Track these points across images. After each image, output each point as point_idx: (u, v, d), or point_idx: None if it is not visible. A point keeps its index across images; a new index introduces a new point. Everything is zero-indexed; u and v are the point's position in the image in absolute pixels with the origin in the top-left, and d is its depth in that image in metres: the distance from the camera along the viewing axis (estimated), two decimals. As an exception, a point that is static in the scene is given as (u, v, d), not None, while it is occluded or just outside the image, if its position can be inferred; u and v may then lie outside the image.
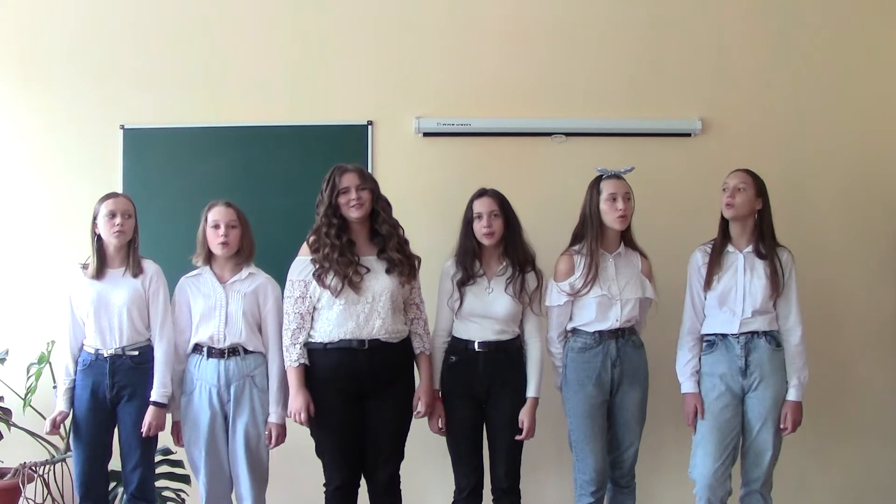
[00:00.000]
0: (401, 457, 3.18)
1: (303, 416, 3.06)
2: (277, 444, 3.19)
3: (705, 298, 3.23)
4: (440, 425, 3.22)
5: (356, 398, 3.08)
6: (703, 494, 3.17)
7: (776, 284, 3.16)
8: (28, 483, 3.71)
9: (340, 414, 3.07)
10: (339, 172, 3.13)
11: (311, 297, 3.10)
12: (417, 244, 3.24)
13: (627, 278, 3.23)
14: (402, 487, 3.20)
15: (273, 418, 3.17)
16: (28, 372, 3.81)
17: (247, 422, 3.15)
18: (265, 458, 3.23)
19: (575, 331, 3.24)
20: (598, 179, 3.26)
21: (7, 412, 3.81)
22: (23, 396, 3.78)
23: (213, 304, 3.18)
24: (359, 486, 3.15)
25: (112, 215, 3.17)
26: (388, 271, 3.10)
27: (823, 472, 4.01)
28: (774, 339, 3.19)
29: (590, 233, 3.22)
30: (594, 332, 3.20)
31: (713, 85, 4.02)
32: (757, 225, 3.23)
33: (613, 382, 3.18)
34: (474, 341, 3.18)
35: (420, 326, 3.21)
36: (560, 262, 3.27)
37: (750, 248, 3.21)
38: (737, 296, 3.17)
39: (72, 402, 3.20)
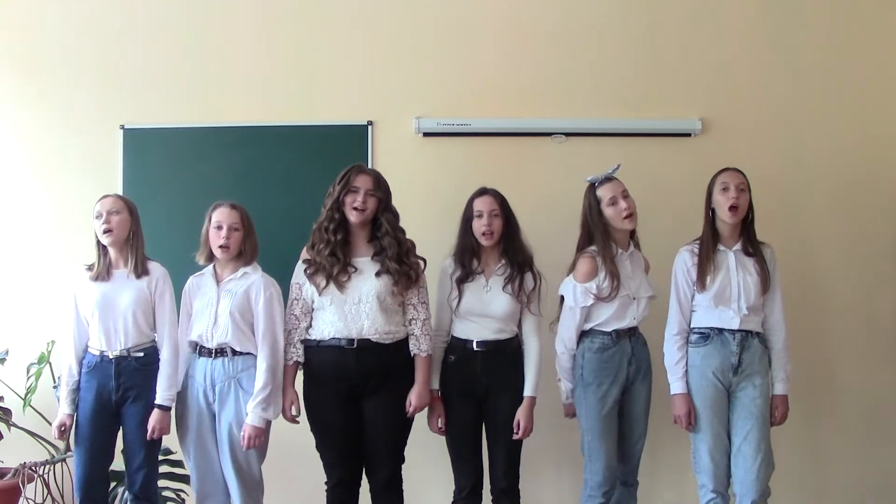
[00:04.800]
0: (400, 458, 3.18)
1: (288, 413, 3.12)
2: (251, 446, 3.08)
3: (692, 298, 3.23)
4: (440, 425, 3.22)
5: (350, 397, 3.09)
6: (710, 485, 3.15)
7: (766, 280, 3.18)
8: (28, 483, 3.72)
9: (333, 411, 3.09)
10: (356, 171, 3.15)
11: (304, 299, 3.15)
12: (417, 244, 3.23)
13: (640, 277, 3.26)
14: (402, 487, 3.20)
15: (249, 419, 3.08)
16: (28, 372, 3.82)
17: (231, 424, 3.13)
18: (254, 462, 3.18)
19: (591, 332, 3.22)
20: (592, 187, 3.26)
21: (7, 412, 3.81)
22: (23, 396, 3.78)
23: (205, 303, 3.18)
24: (359, 483, 3.16)
25: (98, 216, 3.18)
26: (378, 273, 3.10)
27: (822, 472, 4.00)
28: (763, 341, 3.21)
29: (600, 241, 3.20)
30: (612, 331, 3.19)
31: (713, 85, 4.02)
32: (744, 223, 3.23)
33: (629, 380, 3.21)
34: (472, 340, 3.18)
35: (418, 327, 3.17)
36: (582, 262, 3.21)
37: (738, 247, 3.22)
38: (733, 293, 3.17)
39: (76, 404, 3.19)
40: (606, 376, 3.18)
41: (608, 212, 3.20)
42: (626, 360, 3.19)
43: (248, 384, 3.14)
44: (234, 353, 3.15)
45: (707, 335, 3.20)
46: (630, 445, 3.25)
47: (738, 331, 3.16)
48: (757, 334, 3.19)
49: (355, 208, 3.10)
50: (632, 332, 3.22)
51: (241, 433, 3.09)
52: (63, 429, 3.20)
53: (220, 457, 3.17)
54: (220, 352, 3.15)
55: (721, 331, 3.18)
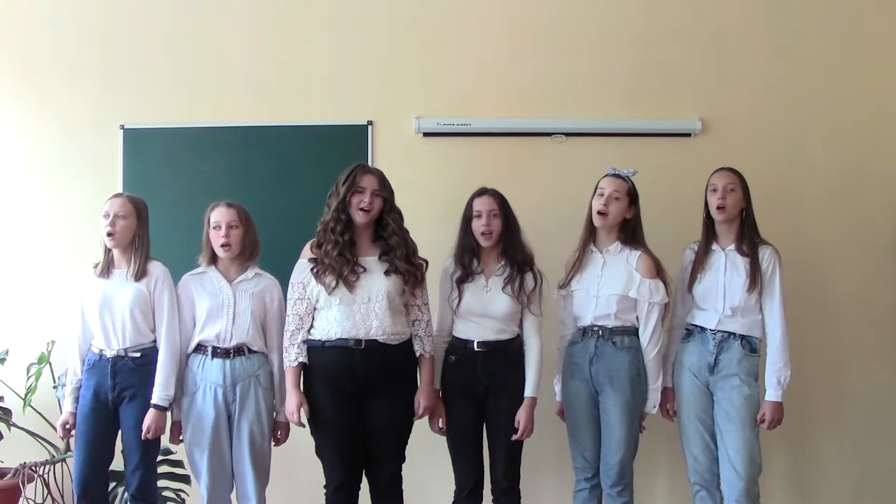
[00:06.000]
0: (402, 458, 3.18)
1: (295, 416, 3.08)
2: (283, 442, 3.23)
3: (692, 297, 3.28)
4: (441, 425, 3.22)
5: (354, 398, 3.07)
6: (692, 478, 3.25)
7: (754, 281, 3.16)
8: (28, 483, 3.72)
9: (337, 413, 3.07)
10: (361, 171, 3.14)
11: (309, 299, 3.11)
12: (417, 244, 3.23)
13: (612, 276, 3.21)
14: (402, 487, 3.20)
15: (281, 417, 3.21)
16: (28, 372, 3.82)
17: (252, 420, 3.15)
18: (268, 457, 3.24)
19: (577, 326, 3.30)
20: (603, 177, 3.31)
21: (7, 412, 3.81)
22: (23, 396, 3.78)
23: (220, 303, 3.18)
24: (359, 486, 3.15)
25: (106, 216, 3.18)
26: (386, 273, 3.10)
27: (821, 471, 4.00)
28: (750, 344, 3.19)
29: (584, 228, 3.30)
30: (579, 327, 3.25)
31: (713, 85, 4.02)
32: (742, 223, 3.25)
33: (593, 380, 3.19)
34: (473, 341, 3.18)
35: (422, 329, 3.18)
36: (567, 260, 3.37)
37: (732, 247, 3.24)
38: (717, 294, 3.20)
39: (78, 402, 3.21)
40: (571, 370, 3.26)
41: (593, 201, 3.27)
42: (587, 358, 3.20)
43: (265, 381, 3.20)
44: (251, 351, 3.19)
45: (691, 332, 3.26)
46: (608, 458, 3.18)
47: (718, 331, 3.19)
48: (742, 336, 3.18)
49: (362, 209, 3.09)
50: (599, 333, 3.19)
51: (275, 430, 3.20)
52: (67, 427, 3.21)
53: (237, 453, 3.17)
54: (237, 351, 3.16)
55: (703, 329, 3.22)
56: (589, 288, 3.22)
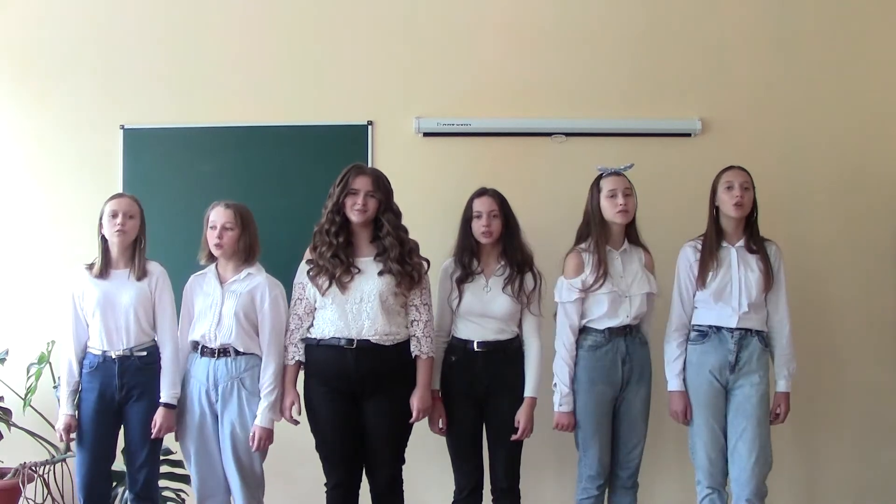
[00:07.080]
0: (400, 460, 3.18)
1: (287, 413, 3.11)
2: (260, 447, 3.12)
3: (694, 294, 3.25)
4: (440, 426, 3.22)
5: (349, 397, 3.09)
6: (705, 481, 3.20)
7: (769, 278, 3.19)
8: (28, 483, 3.72)
9: (331, 411, 3.09)
10: (355, 172, 3.14)
11: (307, 299, 3.14)
12: (418, 244, 3.23)
13: (633, 274, 3.23)
14: (403, 488, 3.20)
15: (258, 420, 3.12)
16: (28, 372, 3.82)
17: (234, 423, 3.14)
18: (257, 461, 3.19)
19: (585, 329, 3.23)
20: (599, 178, 3.28)
21: (7, 412, 3.81)
22: (23, 396, 3.78)
23: (209, 304, 3.19)
24: (359, 485, 3.15)
25: (114, 215, 3.17)
26: (380, 274, 3.10)
27: (822, 471, 4.00)
28: (764, 339, 3.21)
29: (594, 230, 3.24)
30: (604, 329, 3.19)
31: (713, 85, 4.01)
32: (748, 221, 3.25)
33: (623, 380, 3.19)
34: (473, 341, 3.18)
35: (420, 329, 3.16)
36: (569, 259, 3.27)
37: (741, 243, 3.23)
38: (733, 291, 3.19)
39: (77, 404, 3.19)
40: (599, 375, 3.19)
41: (604, 203, 3.23)
42: (619, 359, 3.18)
43: (252, 384, 3.16)
44: (237, 353, 3.16)
45: (705, 333, 3.22)
46: (627, 450, 3.22)
47: (737, 329, 3.17)
48: (757, 332, 3.19)
49: (356, 209, 3.09)
50: (627, 332, 3.20)
51: (251, 434, 3.11)
52: (69, 430, 3.20)
53: (223, 456, 3.17)
54: (223, 352, 3.16)
55: (719, 329, 3.20)
56: (619, 288, 3.20)
